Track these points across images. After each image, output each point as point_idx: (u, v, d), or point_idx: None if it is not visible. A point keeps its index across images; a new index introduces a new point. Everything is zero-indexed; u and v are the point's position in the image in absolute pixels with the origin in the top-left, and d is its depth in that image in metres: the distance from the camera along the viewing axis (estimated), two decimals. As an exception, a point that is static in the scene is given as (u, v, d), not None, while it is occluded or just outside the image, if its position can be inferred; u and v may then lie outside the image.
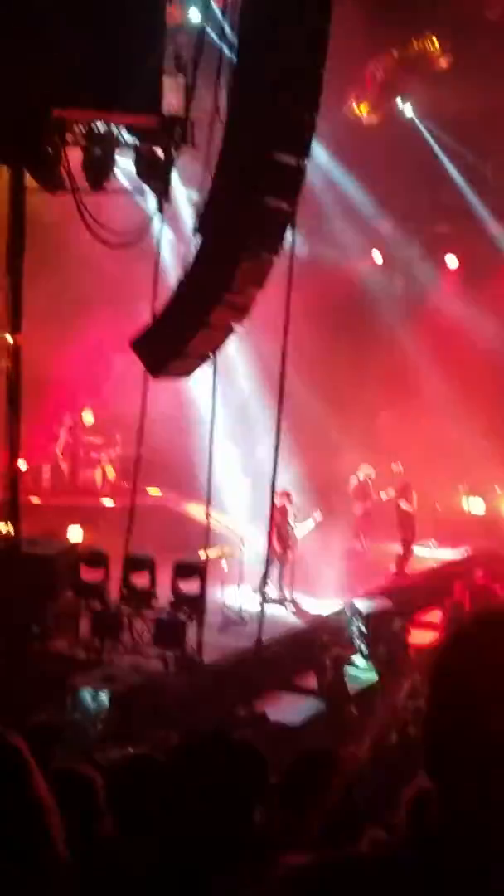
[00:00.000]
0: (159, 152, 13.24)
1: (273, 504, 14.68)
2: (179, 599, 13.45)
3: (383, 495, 19.45)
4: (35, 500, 18.44)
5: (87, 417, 21.15)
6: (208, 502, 14.02)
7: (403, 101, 20.92)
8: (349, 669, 13.51)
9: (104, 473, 20.45)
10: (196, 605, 13.34)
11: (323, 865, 1.59)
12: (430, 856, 1.53)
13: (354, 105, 20.80)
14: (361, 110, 20.92)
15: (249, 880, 2.28)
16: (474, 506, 22.13)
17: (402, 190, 21.08)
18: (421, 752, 1.57)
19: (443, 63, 20.10)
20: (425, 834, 1.56)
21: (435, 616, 16.46)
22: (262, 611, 14.02)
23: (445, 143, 21.49)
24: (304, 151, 12.03)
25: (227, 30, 12.98)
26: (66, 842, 3.35)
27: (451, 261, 23.21)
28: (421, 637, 15.64)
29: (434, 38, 20.15)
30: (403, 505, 18.54)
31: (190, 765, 2.61)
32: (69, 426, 20.81)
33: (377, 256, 23.17)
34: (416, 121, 21.28)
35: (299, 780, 3.16)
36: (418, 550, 19.30)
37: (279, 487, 15.08)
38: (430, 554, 19.76)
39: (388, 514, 19.02)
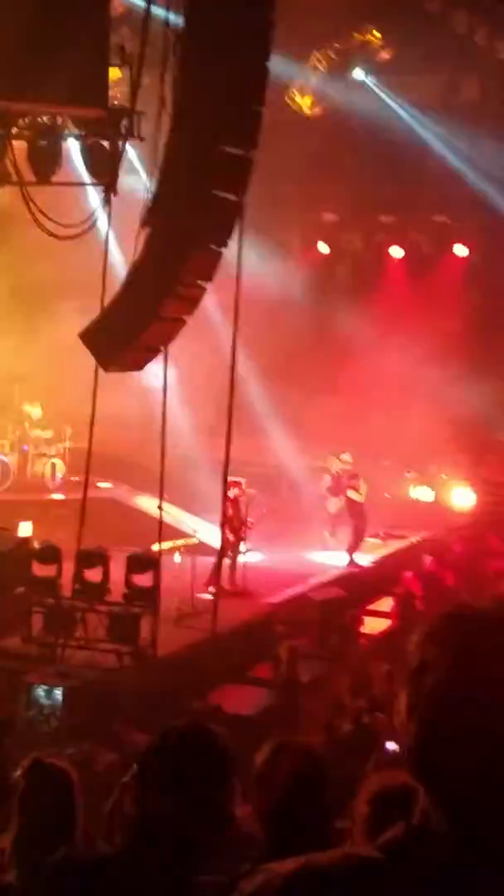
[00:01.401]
0: (106, 144, 13.17)
1: (226, 494, 14.69)
2: (133, 593, 13.40)
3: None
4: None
5: (35, 411, 21.00)
6: (161, 495, 13.98)
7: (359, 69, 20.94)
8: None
9: (54, 468, 20.32)
10: (150, 599, 13.30)
11: (307, 871, 1.56)
12: (423, 860, 1.52)
13: (297, 97, 20.89)
14: (304, 102, 21.00)
15: (233, 880, 2.30)
16: (422, 494, 22.37)
17: (345, 181, 21.18)
18: (406, 755, 1.55)
19: (385, 55, 20.27)
20: (411, 836, 1.54)
21: (386, 604, 16.62)
22: (216, 603, 14.03)
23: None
24: (251, 143, 12.03)
25: (172, 21, 12.92)
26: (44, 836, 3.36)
27: (396, 252, 23.42)
28: (373, 625, 15.80)
29: (375, 31, 20.31)
30: (352, 494, 18.64)
31: (168, 761, 2.61)
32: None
33: (323, 247, 23.29)
34: (373, 87, 21.24)
35: (273, 772, 3.18)
36: (369, 539, 19.45)
37: (232, 477, 15.12)
38: (380, 542, 19.92)
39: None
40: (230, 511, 15.58)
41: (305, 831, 3.05)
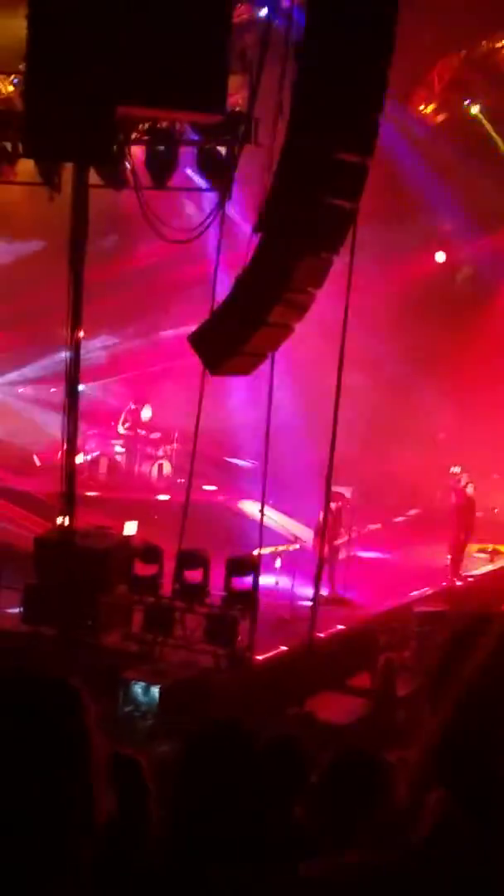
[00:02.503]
0: (222, 150, 13.27)
1: (328, 504, 14.64)
2: (232, 596, 13.47)
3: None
4: (91, 493, 18.62)
5: (146, 412, 21.31)
6: (263, 500, 14.01)
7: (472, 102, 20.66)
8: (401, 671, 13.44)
9: (161, 469, 20.57)
10: (248, 602, 13.35)
11: (344, 870, 1.57)
12: (450, 868, 1.50)
13: (422, 105, 20.70)
14: (427, 110, 20.80)
15: (279, 880, 2.28)
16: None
17: (468, 189, 20.93)
18: (431, 757, 1.54)
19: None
20: (449, 844, 1.53)
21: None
22: (315, 609, 13.99)
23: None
24: (367, 150, 11.96)
25: (294, 28, 12.94)
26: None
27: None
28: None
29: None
30: (469, 489, 18.27)
31: (200, 758, 2.61)
32: (129, 412, 21.07)
33: (440, 256, 23.04)
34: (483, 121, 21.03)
35: (337, 780, 3.15)
36: (477, 554, 19.19)
37: (337, 487, 15.06)
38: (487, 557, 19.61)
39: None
40: (330, 521, 15.47)
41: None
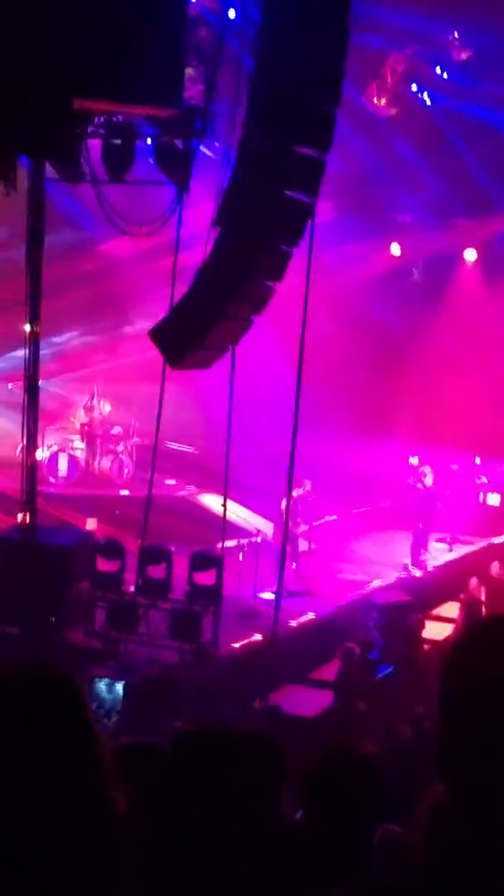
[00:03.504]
0: (180, 144, 13.23)
1: (289, 494, 14.67)
2: (195, 591, 13.46)
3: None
4: (51, 490, 18.52)
5: (105, 407, 21.21)
6: (225, 494, 14.02)
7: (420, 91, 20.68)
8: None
9: (121, 464, 20.50)
10: (212, 597, 13.35)
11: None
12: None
13: (374, 98, 20.74)
14: (381, 103, 20.84)
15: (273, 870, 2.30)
16: (493, 499, 22.11)
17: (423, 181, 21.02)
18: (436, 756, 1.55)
19: (462, 55, 20.01)
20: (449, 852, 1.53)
21: (451, 610, 16.46)
22: (278, 602, 14.03)
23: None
24: (324, 144, 11.99)
25: (248, 22, 12.95)
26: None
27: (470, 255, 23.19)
28: (437, 631, 15.65)
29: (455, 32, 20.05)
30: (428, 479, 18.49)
31: (190, 755, 2.62)
32: (86, 407, 20.97)
33: (395, 249, 23.14)
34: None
35: (323, 775, 3.16)
36: (436, 544, 19.35)
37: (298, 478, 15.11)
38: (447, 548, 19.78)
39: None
40: (290, 510, 15.50)
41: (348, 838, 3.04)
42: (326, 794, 3.11)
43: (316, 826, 3.10)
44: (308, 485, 17.24)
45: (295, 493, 15.45)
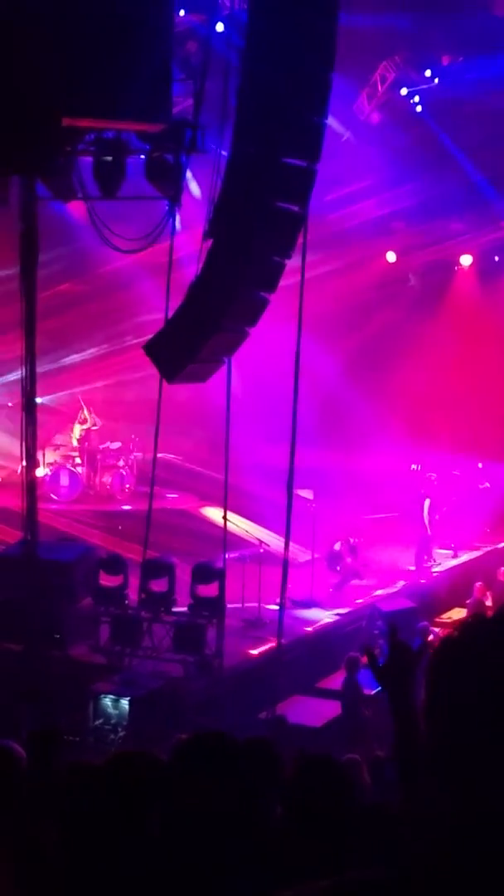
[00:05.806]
0: (170, 158, 13.26)
1: (290, 507, 14.65)
2: (198, 603, 13.45)
3: None
4: (53, 506, 18.54)
5: (96, 418, 21.30)
6: (226, 506, 14.01)
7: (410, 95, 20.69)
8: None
9: (122, 478, 20.51)
10: (215, 609, 13.34)
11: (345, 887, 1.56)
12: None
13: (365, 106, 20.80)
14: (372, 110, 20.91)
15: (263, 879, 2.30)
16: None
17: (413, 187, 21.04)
18: (425, 757, 1.55)
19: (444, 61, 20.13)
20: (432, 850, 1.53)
21: (458, 615, 16.43)
22: (282, 613, 14.00)
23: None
24: (313, 154, 12.01)
25: (235, 34, 13.00)
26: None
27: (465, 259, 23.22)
28: (443, 636, 15.61)
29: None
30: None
31: (188, 763, 2.62)
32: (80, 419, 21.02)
33: (391, 256, 23.16)
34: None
35: (300, 786, 3.17)
36: (440, 550, 19.34)
37: (299, 492, 15.12)
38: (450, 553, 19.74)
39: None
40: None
41: (326, 843, 3.04)
42: (300, 798, 3.13)
43: (291, 829, 3.10)
44: (310, 495, 17.20)
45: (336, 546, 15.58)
